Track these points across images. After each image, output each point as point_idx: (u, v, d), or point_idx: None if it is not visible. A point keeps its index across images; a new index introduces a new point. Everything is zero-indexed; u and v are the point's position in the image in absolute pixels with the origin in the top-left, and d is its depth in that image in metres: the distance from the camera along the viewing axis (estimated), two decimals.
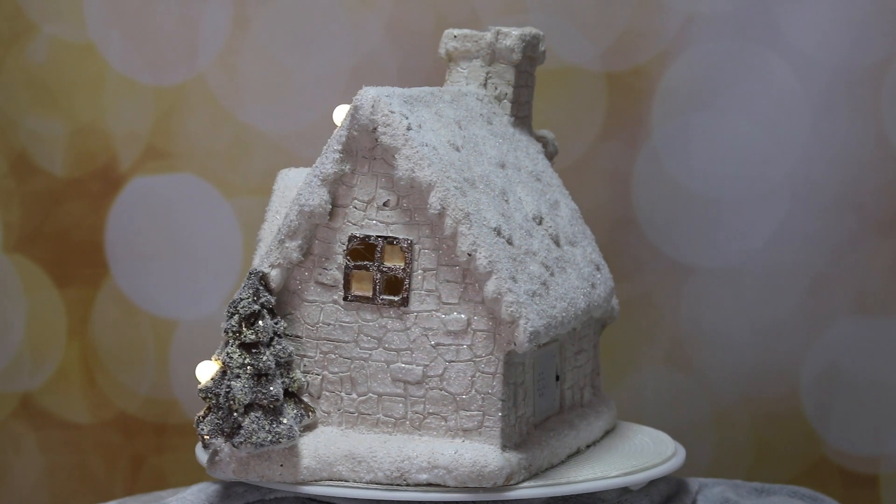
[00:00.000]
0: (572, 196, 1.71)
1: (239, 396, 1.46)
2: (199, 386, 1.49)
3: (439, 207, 1.46)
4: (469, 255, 1.46)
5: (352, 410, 1.51)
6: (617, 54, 2.15)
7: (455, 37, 1.69)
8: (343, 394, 1.51)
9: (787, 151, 2.14)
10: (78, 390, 2.22)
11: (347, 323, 1.50)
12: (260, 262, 1.51)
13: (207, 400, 1.48)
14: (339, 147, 1.49)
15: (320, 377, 1.51)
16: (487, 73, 1.69)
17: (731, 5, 2.13)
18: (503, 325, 1.47)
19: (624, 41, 2.15)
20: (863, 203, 2.14)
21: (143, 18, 2.19)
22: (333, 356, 1.51)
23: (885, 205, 2.14)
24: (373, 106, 1.48)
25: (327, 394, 1.51)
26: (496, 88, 1.68)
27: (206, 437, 1.48)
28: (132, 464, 2.23)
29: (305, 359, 1.52)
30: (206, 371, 1.49)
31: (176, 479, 2.19)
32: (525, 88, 1.71)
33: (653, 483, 1.60)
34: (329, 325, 1.50)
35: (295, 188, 1.58)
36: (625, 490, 1.58)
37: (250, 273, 1.50)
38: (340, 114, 1.60)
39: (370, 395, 1.50)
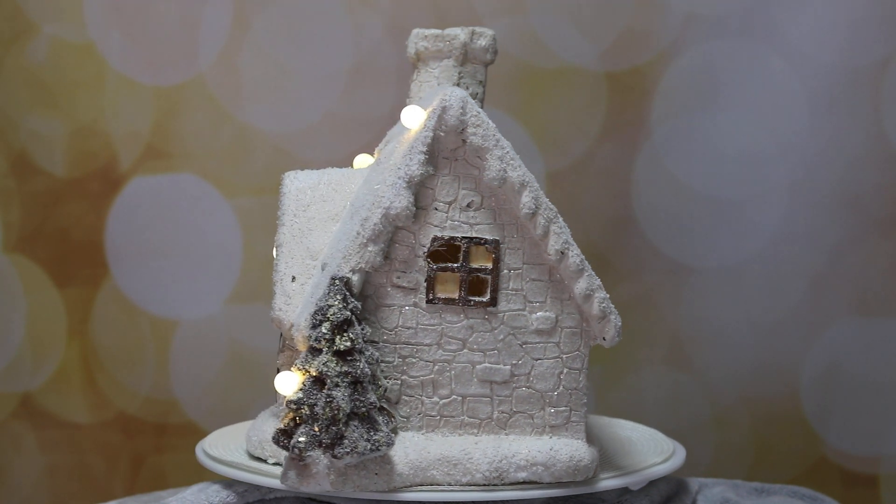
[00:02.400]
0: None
1: (343, 406, 1.42)
2: (288, 398, 1.44)
3: (533, 207, 1.47)
4: (562, 253, 1.48)
5: (433, 414, 1.49)
6: (617, 54, 2.15)
7: (426, 37, 1.68)
8: (424, 397, 1.50)
9: (787, 151, 2.14)
10: (78, 390, 2.22)
11: (429, 326, 1.49)
12: (339, 267, 1.47)
13: (299, 412, 1.43)
14: (424, 148, 1.47)
15: (400, 382, 1.49)
16: (460, 73, 1.69)
17: (731, 5, 2.13)
18: (592, 321, 1.50)
19: (624, 41, 2.15)
20: (863, 203, 2.14)
21: (143, 18, 2.19)
22: (414, 360, 1.49)
23: (885, 205, 2.14)
24: (462, 106, 1.47)
25: (406, 398, 1.49)
26: (468, 88, 1.68)
27: (302, 449, 1.43)
28: (132, 464, 2.23)
29: (383, 364, 1.50)
30: (289, 382, 1.44)
31: (176, 479, 2.19)
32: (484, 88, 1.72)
33: (653, 483, 1.60)
34: (409, 328, 1.49)
35: (307, 190, 1.57)
36: (625, 490, 1.58)
37: (334, 279, 1.46)
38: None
39: (454, 397, 1.50)
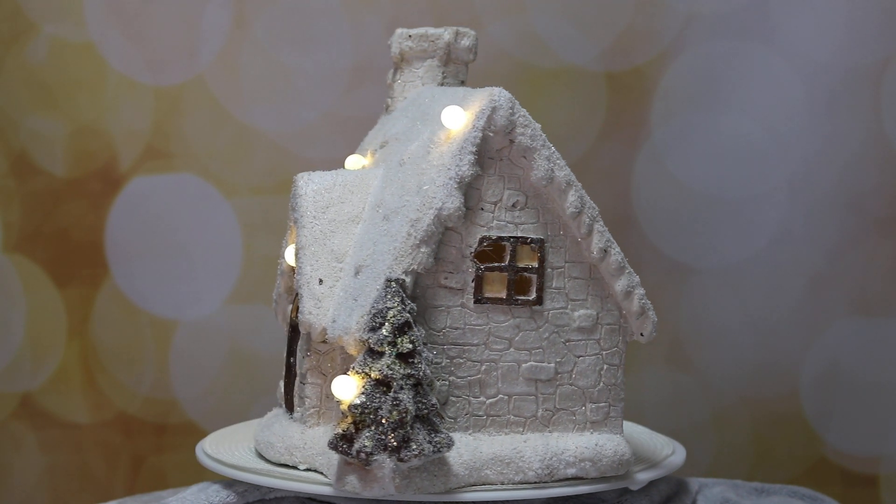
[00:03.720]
0: None
1: (410, 409, 1.41)
2: (350, 402, 1.42)
3: (578, 206, 1.49)
4: (605, 251, 1.50)
5: (480, 413, 1.49)
6: (617, 54, 2.15)
7: (410, 36, 1.68)
8: (471, 398, 1.49)
9: (787, 151, 2.14)
10: (78, 390, 2.22)
11: (477, 326, 1.49)
12: (390, 268, 1.46)
13: (363, 416, 1.42)
14: (474, 149, 1.47)
15: (447, 383, 1.49)
16: (443, 73, 1.69)
17: (731, 5, 2.13)
18: (631, 318, 1.52)
19: (624, 41, 2.15)
20: (863, 203, 2.14)
21: (143, 18, 2.19)
22: (461, 360, 1.49)
23: (885, 205, 2.14)
24: (511, 107, 1.48)
25: (453, 399, 1.49)
26: None
27: (369, 454, 1.42)
28: (132, 464, 2.23)
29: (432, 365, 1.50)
30: (347, 387, 1.43)
31: (176, 479, 2.19)
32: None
33: (653, 483, 1.60)
34: (457, 329, 1.49)
35: (324, 192, 1.56)
36: (625, 490, 1.58)
37: (390, 281, 1.44)
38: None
39: (500, 396, 1.50)
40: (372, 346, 1.43)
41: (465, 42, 1.68)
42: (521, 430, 1.50)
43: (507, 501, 1.48)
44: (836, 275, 2.15)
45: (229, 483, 1.57)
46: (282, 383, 1.62)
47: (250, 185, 2.19)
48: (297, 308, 1.56)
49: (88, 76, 2.19)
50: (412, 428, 1.42)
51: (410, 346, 1.42)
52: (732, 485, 1.75)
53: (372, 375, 1.42)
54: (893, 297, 2.15)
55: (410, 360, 1.43)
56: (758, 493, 1.73)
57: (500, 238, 1.49)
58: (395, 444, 1.41)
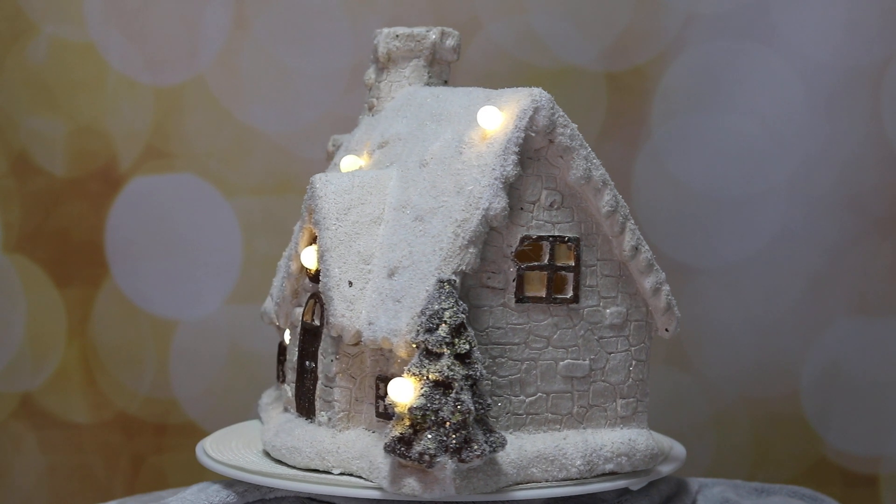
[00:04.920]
0: None
1: (472, 409, 1.41)
2: (411, 405, 1.41)
3: (613, 205, 1.50)
4: (636, 249, 1.52)
5: (520, 412, 1.50)
6: (617, 54, 2.15)
7: (397, 36, 1.68)
8: (512, 397, 1.50)
9: (787, 151, 2.14)
10: (78, 390, 2.22)
11: (518, 325, 1.49)
12: (439, 269, 1.45)
13: (424, 418, 1.41)
14: (517, 149, 1.48)
15: (490, 382, 1.49)
16: (429, 73, 1.69)
17: (731, 5, 2.13)
18: (657, 314, 1.55)
19: (624, 41, 2.15)
20: (863, 203, 2.14)
21: (143, 18, 2.19)
22: (503, 360, 1.49)
23: (885, 205, 2.14)
24: (552, 107, 1.49)
25: (495, 398, 1.49)
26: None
27: (433, 456, 1.41)
28: (132, 464, 2.23)
29: None
30: (404, 389, 1.42)
31: (176, 479, 2.19)
32: None
33: (653, 483, 1.60)
34: (499, 328, 1.49)
35: (343, 193, 1.55)
36: (625, 490, 1.58)
37: (443, 282, 1.44)
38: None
39: (539, 394, 1.51)
40: (430, 347, 1.42)
41: (450, 42, 1.69)
42: (559, 427, 1.52)
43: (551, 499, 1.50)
44: (836, 275, 2.15)
45: (229, 483, 1.57)
46: (287, 387, 1.61)
47: (250, 185, 2.19)
48: (312, 310, 1.56)
49: (88, 76, 2.19)
50: (473, 429, 1.42)
51: (467, 346, 1.42)
52: (732, 485, 1.75)
53: (430, 377, 1.41)
54: (893, 297, 2.15)
55: (467, 361, 1.42)
56: (758, 493, 1.73)
57: (540, 237, 1.50)
58: (456, 445, 1.41)
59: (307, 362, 1.57)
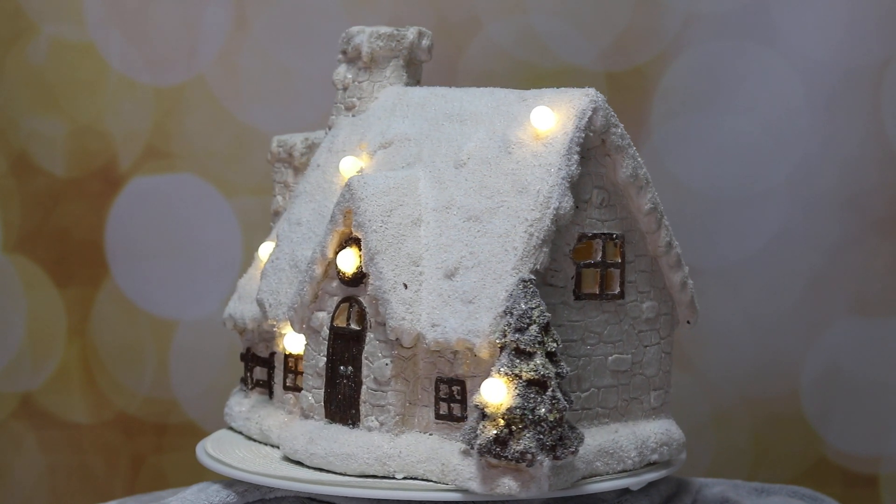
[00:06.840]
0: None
1: (567, 407, 1.42)
2: (508, 406, 1.40)
3: (654, 203, 1.53)
4: (669, 245, 1.55)
5: (577, 408, 1.50)
6: (617, 54, 2.15)
7: (380, 36, 1.68)
8: (570, 393, 1.49)
9: (788, 151, 2.14)
10: (78, 390, 2.23)
11: (576, 322, 1.50)
12: (517, 268, 1.45)
13: (522, 417, 1.40)
14: (579, 149, 1.48)
15: None
16: (406, 73, 1.69)
17: (731, 5, 2.14)
18: (681, 306, 1.58)
19: (624, 41, 2.15)
20: (863, 203, 2.14)
21: (143, 18, 2.19)
22: (562, 356, 1.49)
23: (885, 205, 2.14)
24: (607, 108, 1.50)
25: None
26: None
27: (534, 454, 1.40)
28: (132, 464, 2.23)
29: None
30: (498, 390, 1.41)
31: (176, 479, 2.19)
32: None
33: (653, 483, 1.60)
34: (560, 326, 1.49)
35: (382, 195, 1.52)
36: (625, 490, 1.58)
37: (525, 281, 1.43)
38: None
39: (592, 389, 1.52)
40: (522, 347, 1.41)
41: (425, 42, 1.69)
42: (608, 421, 1.53)
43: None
44: (836, 275, 2.15)
45: (229, 483, 1.57)
46: (308, 394, 1.56)
47: (250, 185, 2.19)
48: (347, 314, 1.52)
49: (88, 76, 2.19)
50: (566, 426, 1.43)
51: (555, 344, 1.43)
52: (732, 485, 1.75)
53: (524, 376, 1.41)
54: (893, 297, 2.15)
55: (555, 359, 1.43)
56: (758, 493, 1.73)
57: (594, 235, 1.51)
58: (552, 442, 1.41)
59: (341, 367, 1.53)
